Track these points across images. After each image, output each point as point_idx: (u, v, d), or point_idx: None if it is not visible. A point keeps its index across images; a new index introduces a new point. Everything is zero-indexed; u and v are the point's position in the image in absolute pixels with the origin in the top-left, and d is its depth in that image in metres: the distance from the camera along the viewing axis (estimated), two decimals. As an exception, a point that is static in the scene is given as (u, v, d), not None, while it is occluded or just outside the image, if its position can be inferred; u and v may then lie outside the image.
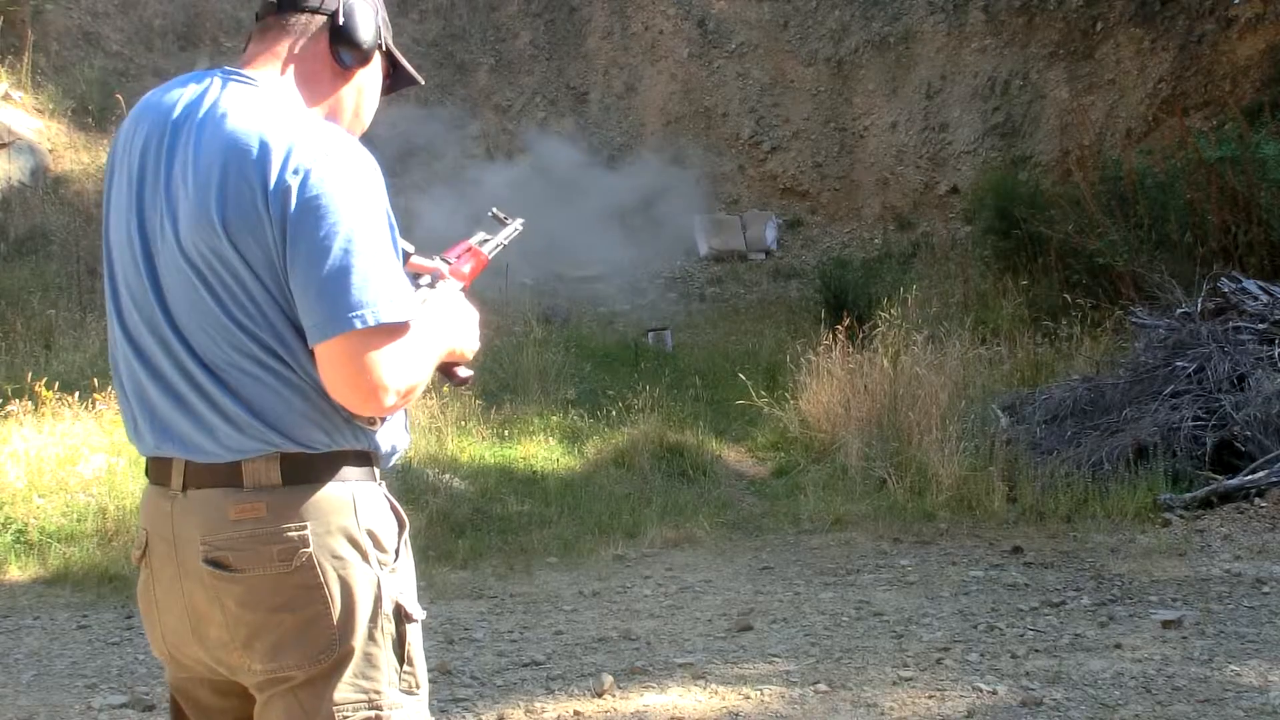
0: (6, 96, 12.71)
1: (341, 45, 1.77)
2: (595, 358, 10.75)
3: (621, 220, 14.93)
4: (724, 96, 15.89)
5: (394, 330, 1.60)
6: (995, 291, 10.78)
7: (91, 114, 12.92)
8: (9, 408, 6.83)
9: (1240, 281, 7.50)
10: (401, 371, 1.62)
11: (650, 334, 11.95)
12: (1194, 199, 9.30)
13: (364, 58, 1.80)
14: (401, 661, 1.73)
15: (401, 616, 1.73)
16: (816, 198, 15.46)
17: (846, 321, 8.28)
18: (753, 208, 15.47)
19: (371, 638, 1.69)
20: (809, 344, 8.38)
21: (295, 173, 1.58)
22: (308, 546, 1.64)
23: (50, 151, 12.60)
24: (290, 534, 1.64)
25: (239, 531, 1.64)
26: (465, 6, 16.53)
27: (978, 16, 14.81)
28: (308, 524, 1.65)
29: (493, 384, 9.02)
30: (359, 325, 1.56)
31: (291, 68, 1.75)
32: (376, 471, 1.77)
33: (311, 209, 1.57)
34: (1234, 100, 11.54)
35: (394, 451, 1.81)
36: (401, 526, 1.78)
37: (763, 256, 14.79)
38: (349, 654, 1.67)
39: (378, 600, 1.69)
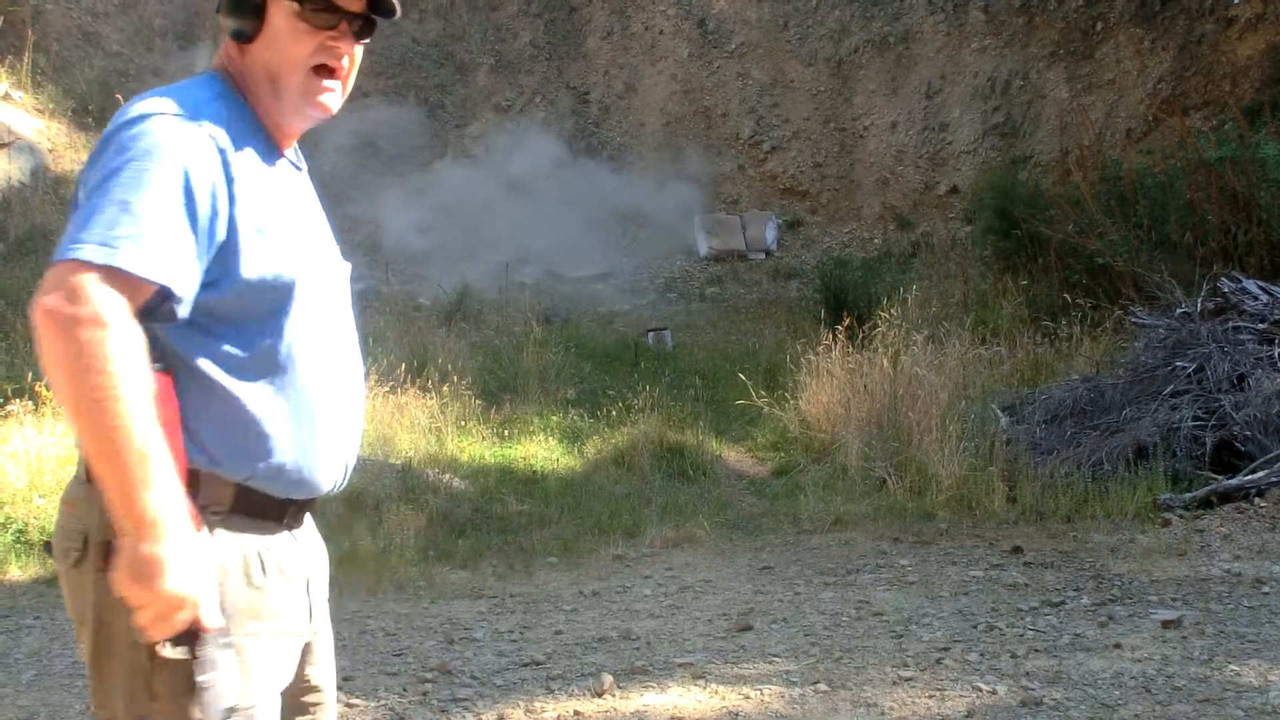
0: (6, 96, 12.72)
1: (224, 15, 1.73)
2: (595, 358, 10.74)
3: (621, 220, 14.93)
4: (724, 96, 15.89)
5: (101, 273, 1.51)
6: (995, 291, 10.77)
7: (91, 114, 12.92)
8: (9, 408, 6.82)
9: (1240, 281, 7.50)
10: (84, 324, 1.52)
11: (650, 334, 11.94)
12: (1194, 199, 9.29)
13: (247, 23, 1.69)
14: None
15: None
16: (816, 198, 15.46)
17: (846, 321, 8.28)
18: (753, 208, 15.47)
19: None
20: (809, 344, 8.38)
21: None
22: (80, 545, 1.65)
23: (50, 151, 12.61)
24: (74, 531, 1.65)
25: (67, 525, 1.68)
26: (465, 6, 16.53)
27: (978, 16, 14.81)
28: (88, 523, 1.63)
29: (493, 384, 9.02)
30: (74, 255, 1.51)
31: (224, 61, 1.77)
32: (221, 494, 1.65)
33: (86, 166, 1.62)
34: (1234, 100, 11.54)
35: (260, 466, 1.68)
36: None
37: (763, 256, 14.79)
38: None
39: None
